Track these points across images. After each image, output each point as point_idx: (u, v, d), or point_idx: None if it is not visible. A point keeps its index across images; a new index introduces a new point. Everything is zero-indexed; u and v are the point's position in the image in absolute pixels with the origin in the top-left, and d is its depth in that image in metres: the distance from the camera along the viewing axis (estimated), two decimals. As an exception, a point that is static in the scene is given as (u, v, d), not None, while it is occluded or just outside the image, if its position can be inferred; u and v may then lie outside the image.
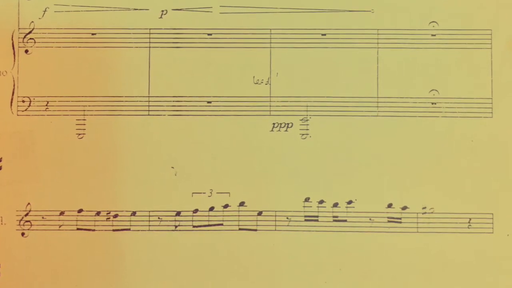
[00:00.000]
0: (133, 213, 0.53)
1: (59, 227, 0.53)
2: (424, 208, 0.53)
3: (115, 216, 0.53)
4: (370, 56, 0.54)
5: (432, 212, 0.53)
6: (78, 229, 0.53)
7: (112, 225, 0.53)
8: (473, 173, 0.53)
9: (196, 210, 0.53)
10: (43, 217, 0.53)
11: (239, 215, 0.53)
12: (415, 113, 0.53)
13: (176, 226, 0.53)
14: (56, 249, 0.53)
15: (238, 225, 0.53)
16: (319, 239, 0.53)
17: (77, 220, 0.53)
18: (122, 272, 0.53)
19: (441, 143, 0.53)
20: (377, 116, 0.53)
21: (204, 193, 0.53)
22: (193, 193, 0.53)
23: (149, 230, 0.53)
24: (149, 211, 0.53)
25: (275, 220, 0.53)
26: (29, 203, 0.53)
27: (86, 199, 0.53)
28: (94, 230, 0.53)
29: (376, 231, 0.53)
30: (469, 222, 0.53)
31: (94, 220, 0.53)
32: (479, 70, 0.54)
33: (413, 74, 0.54)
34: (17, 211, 0.53)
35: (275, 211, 0.53)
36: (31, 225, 0.53)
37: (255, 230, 0.53)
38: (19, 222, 0.53)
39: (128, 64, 0.54)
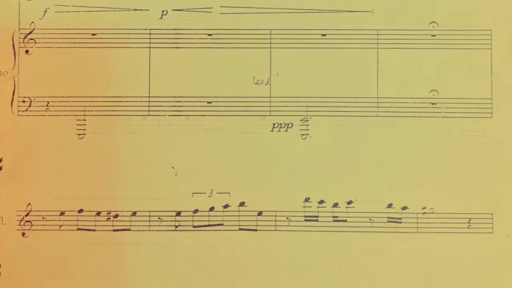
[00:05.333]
0: (134, 213, 0.53)
1: (60, 227, 0.53)
2: (424, 208, 0.53)
3: (116, 216, 0.53)
4: (370, 57, 0.54)
5: (432, 212, 0.53)
6: (78, 229, 0.53)
7: (113, 225, 0.53)
8: (473, 173, 0.53)
9: (196, 210, 0.53)
10: (43, 217, 0.53)
11: (239, 215, 0.53)
12: (415, 113, 0.53)
13: (176, 226, 0.53)
14: (57, 249, 0.53)
15: (238, 225, 0.53)
16: (319, 239, 0.53)
17: (77, 220, 0.53)
18: (123, 272, 0.53)
19: (441, 143, 0.53)
20: (377, 116, 0.53)
21: (204, 193, 0.53)
22: (193, 193, 0.53)
23: (149, 230, 0.53)
24: (150, 211, 0.53)
25: (275, 220, 0.53)
26: (29, 203, 0.53)
27: (87, 199, 0.53)
28: (94, 230, 0.53)
29: (376, 231, 0.53)
30: (469, 222, 0.53)
31: (95, 220, 0.53)
32: (479, 71, 0.53)
33: (413, 74, 0.54)
34: (17, 211, 0.53)
35: (275, 211, 0.53)
36: (32, 225, 0.53)
37: (255, 230, 0.53)
38: (20, 222, 0.53)
39: (128, 65, 0.54)
